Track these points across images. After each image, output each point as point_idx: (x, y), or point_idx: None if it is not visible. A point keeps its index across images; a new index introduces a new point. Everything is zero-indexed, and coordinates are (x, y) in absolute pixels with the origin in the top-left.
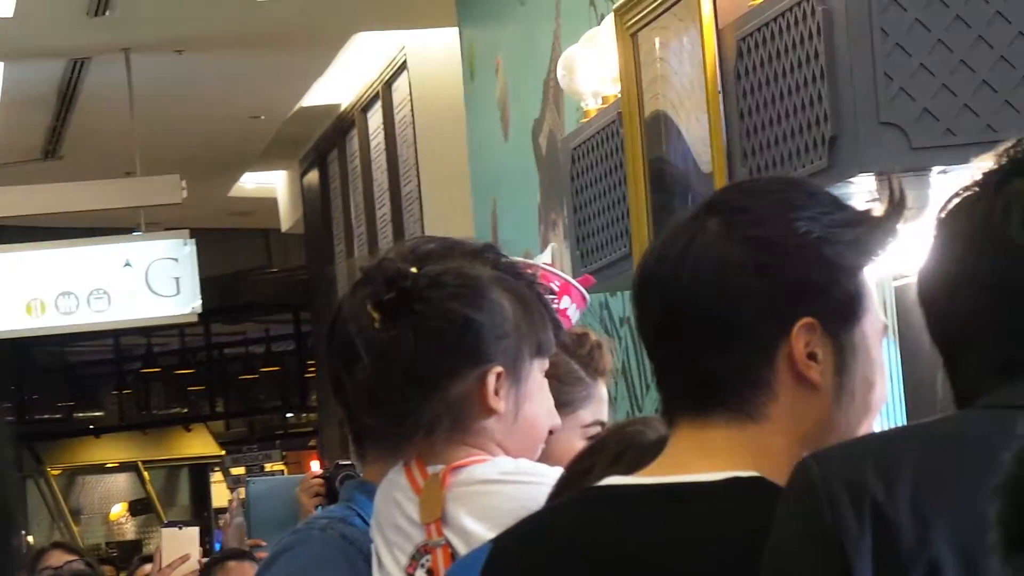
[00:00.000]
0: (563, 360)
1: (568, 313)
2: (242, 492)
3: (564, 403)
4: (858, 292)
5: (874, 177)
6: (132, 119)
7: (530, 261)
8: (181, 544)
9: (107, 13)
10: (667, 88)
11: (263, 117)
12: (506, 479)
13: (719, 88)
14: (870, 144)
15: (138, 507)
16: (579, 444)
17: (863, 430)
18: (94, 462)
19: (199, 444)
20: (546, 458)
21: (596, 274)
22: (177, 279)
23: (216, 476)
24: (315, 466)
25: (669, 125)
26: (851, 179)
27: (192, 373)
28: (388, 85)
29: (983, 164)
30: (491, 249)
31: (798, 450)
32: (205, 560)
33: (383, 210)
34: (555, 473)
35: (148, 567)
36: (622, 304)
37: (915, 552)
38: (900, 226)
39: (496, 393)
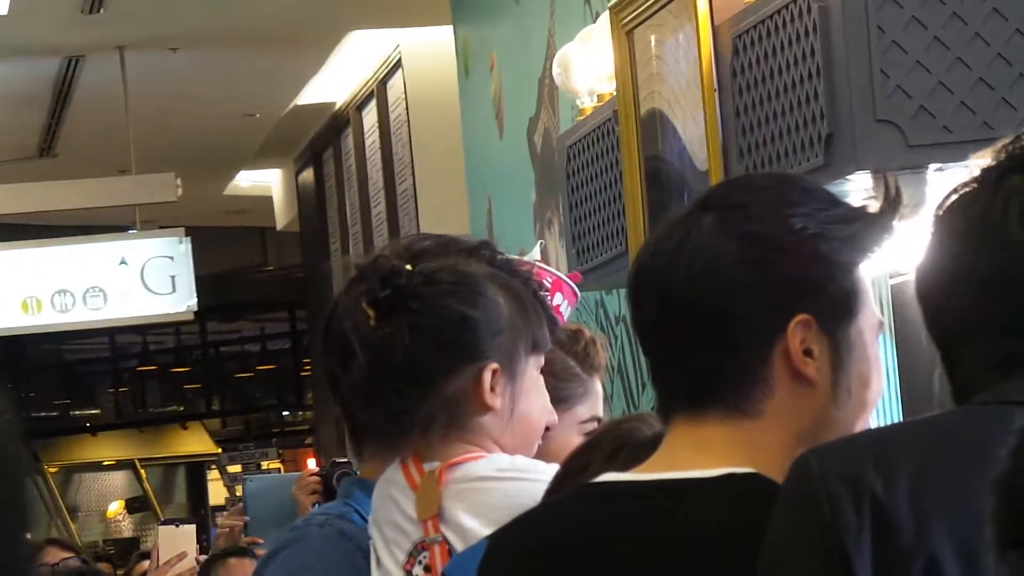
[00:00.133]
0: (559, 356)
1: (561, 310)
2: (239, 490)
3: (560, 399)
4: (854, 289)
5: (870, 174)
6: (127, 117)
7: (524, 259)
8: (178, 541)
9: (101, 11)
10: (663, 86)
11: (258, 115)
12: (502, 476)
13: (715, 85)
14: (866, 141)
15: (135, 504)
16: (576, 440)
17: (859, 426)
18: (91, 460)
19: (195, 442)
20: (543, 454)
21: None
22: (173, 277)
23: (213, 474)
24: (311, 464)
25: (665, 123)
26: (847, 176)
27: (188, 371)
28: (383, 83)
29: (980, 161)
30: (487, 246)
31: (794, 446)
32: (204, 557)
33: (378, 208)
34: (551, 470)
35: (147, 563)
36: (618, 302)
37: (915, 547)
38: (896, 223)
39: (492, 390)
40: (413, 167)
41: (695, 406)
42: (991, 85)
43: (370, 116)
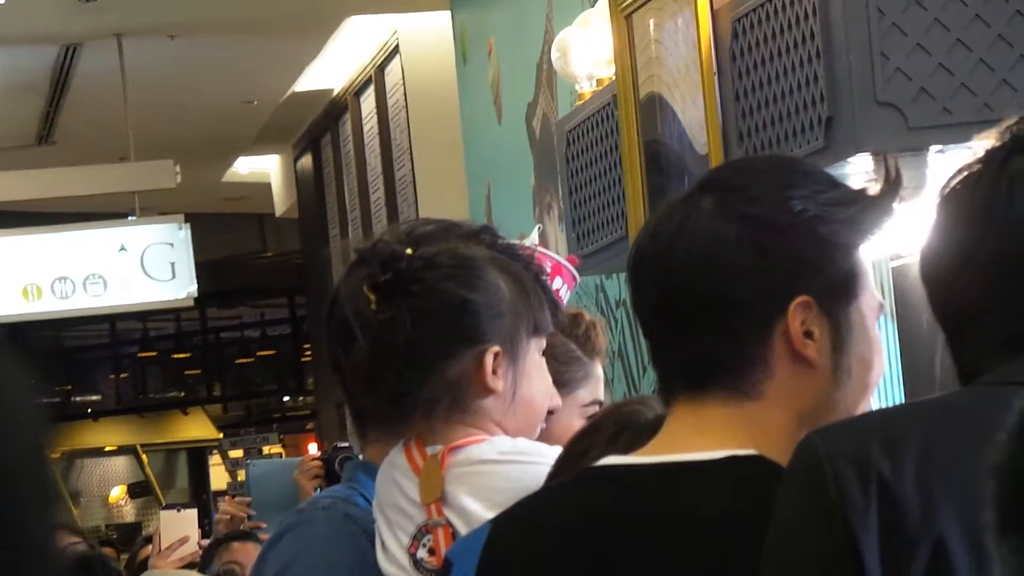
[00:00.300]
0: (560, 340)
1: (560, 294)
2: (241, 475)
3: (562, 383)
4: (853, 270)
5: (871, 156)
6: (125, 104)
7: (524, 243)
8: (180, 526)
9: None
10: (662, 70)
11: (256, 102)
12: (505, 459)
13: (714, 69)
14: (867, 124)
15: (137, 490)
16: (577, 424)
17: (860, 408)
18: (93, 445)
19: (197, 427)
20: (545, 437)
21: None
22: (172, 264)
23: (215, 459)
24: (313, 448)
25: (664, 107)
26: (848, 159)
27: (188, 357)
28: (381, 69)
29: (983, 142)
30: (488, 230)
31: (796, 428)
32: (206, 541)
33: (377, 194)
34: (554, 452)
35: (150, 547)
36: (618, 286)
37: (921, 527)
38: (896, 205)
39: (494, 372)
40: (411, 153)
41: (696, 388)
42: (991, 67)
43: (368, 102)
